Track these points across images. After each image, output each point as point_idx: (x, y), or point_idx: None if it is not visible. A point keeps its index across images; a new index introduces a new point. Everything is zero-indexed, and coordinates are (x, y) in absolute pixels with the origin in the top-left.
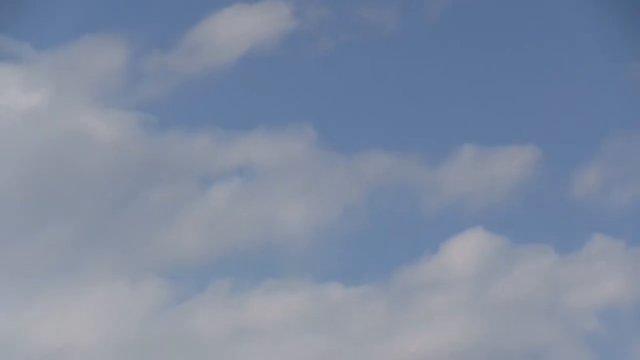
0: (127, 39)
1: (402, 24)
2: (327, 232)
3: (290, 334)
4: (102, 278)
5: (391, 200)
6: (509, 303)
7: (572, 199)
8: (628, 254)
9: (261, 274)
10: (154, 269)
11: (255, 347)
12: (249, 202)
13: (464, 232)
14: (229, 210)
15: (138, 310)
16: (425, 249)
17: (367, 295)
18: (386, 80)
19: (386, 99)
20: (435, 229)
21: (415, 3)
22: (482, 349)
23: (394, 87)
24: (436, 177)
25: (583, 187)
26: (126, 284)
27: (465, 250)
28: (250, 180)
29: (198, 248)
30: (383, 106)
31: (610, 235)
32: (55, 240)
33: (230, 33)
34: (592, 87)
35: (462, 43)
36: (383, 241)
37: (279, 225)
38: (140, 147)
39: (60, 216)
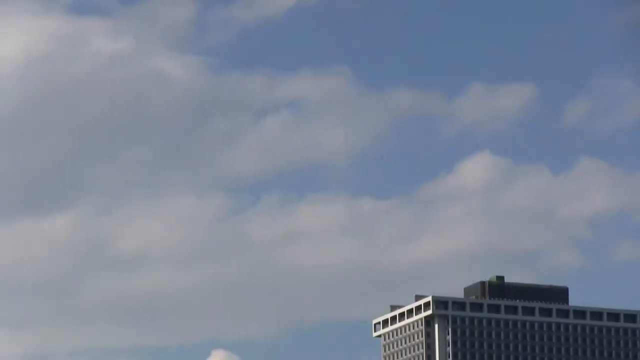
0: None
1: None
2: (361, 154)
3: (330, 238)
4: (174, 192)
5: (414, 128)
6: (512, 213)
7: (564, 127)
8: (611, 173)
9: (306, 189)
10: (217, 185)
11: (301, 249)
12: (296, 130)
13: (474, 155)
14: (279, 137)
15: (204, 219)
16: (442, 168)
17: (393, 207)
18: (410, 29)
19: (410, 44)
20: (451, 152)
21: None
22: (489, 251)
23: (417, 34)
24: (451, 109)
25: (573, 117)
26: (194, 197)
27: (475, 169)
28: (297, 112)
29: (253, 168)
30: (407, 50)
31: (596, 157)
32: (136, 160)
33: None
34: (582, 33)
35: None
36: (407, 162)
37: (320, 149)
38: (206, 85)
39: (141, 141)
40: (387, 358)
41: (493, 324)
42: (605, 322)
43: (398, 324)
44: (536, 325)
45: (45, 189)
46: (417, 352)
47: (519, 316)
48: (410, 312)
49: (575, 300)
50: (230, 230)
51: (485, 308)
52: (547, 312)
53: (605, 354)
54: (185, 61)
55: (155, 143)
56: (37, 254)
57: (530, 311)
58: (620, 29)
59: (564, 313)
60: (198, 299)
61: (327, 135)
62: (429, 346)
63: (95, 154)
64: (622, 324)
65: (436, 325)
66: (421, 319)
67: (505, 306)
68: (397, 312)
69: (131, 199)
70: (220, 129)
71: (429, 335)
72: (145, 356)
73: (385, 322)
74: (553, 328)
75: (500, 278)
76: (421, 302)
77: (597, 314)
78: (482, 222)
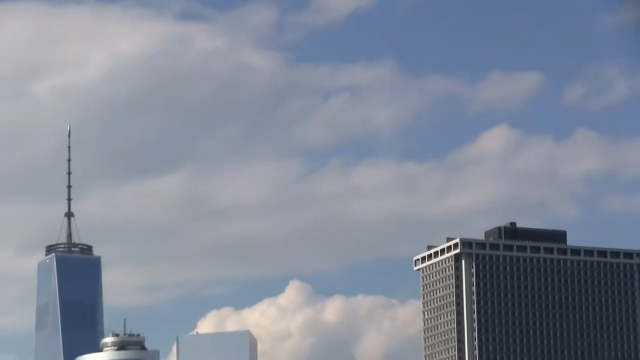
0: (275, 3)
1: None
2: (404, 127)
3: (381, 193)
4: (259, 158)
5: (445, 106)
6: (522, 173)
7: (564, 104)
8: (601, 141)
9: (361, 155)
10: (293, 152)
11: (358, 202)
12: (354, 109)
13: (493, 127)
14: (341, 114)
15: (283, 179)
16: (468, 138)
17: (430, 168)
18: (442, 29)
19: (442, 41)
20: (474, 125)
21: None
22: (504, 203)
23: (448, 34)
24: (475, 92)
25: (572, 97)
26: (275, 162)
27: (494, 139)
28: (355, 94)
29: (321, 138)
30: (441, 45)
31: (590, 128)
32: (229, 133)
33: None
34: (581, 28)
35: (495, 3)
36: (440, 132)
37: (373, 123)
38: (284, 74)
39: (233, 118)
40: (425, 287)
41: (507, 260)
42: (596, 259)
43: (433, 260)
44: (541, 261)
45: (159, 156)
46: (449, 282)
47: (528, 254)
48: (442, 251)
49: (572, 241)
50: (303, 187)
51: (501, 248)
52: (550, 251)
53: (596, 283)
54: (267, 55)
55: (244, 120)
56: (152, 206)
57: (536, 250)
58: (610, 27)
59: (563, 251)
60: (278, 241)
61: (378, 112)
62: (458, 277)
63: (198, 129)
64: (609, 259)
65: (463, 262)
66: (451, 257)
67: (517, 246)
68: (432, 251)
69: (225, 164)
70: (295, 108)
71: (458, 269)
72: (235, 285)
73: (423, 259)
74: (554, 263)
75: (513, 224)
76: (451, 243)
77: (589, 252)
78: (499, 180)
